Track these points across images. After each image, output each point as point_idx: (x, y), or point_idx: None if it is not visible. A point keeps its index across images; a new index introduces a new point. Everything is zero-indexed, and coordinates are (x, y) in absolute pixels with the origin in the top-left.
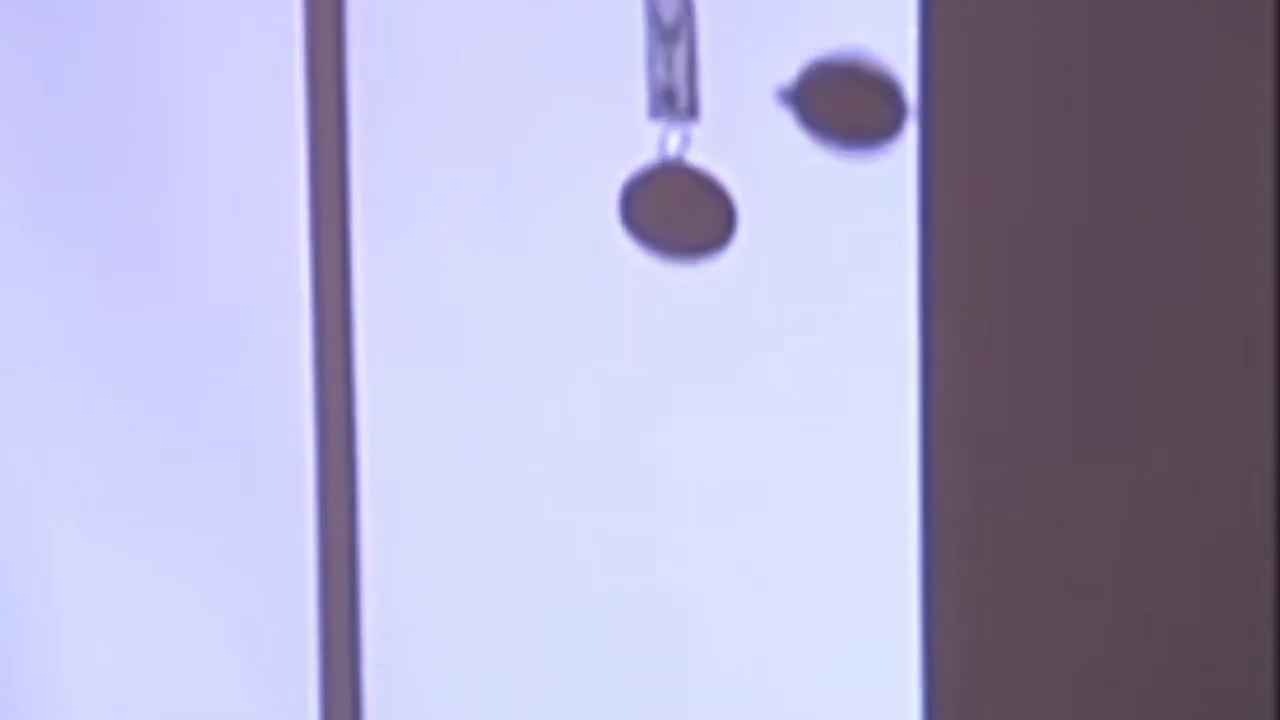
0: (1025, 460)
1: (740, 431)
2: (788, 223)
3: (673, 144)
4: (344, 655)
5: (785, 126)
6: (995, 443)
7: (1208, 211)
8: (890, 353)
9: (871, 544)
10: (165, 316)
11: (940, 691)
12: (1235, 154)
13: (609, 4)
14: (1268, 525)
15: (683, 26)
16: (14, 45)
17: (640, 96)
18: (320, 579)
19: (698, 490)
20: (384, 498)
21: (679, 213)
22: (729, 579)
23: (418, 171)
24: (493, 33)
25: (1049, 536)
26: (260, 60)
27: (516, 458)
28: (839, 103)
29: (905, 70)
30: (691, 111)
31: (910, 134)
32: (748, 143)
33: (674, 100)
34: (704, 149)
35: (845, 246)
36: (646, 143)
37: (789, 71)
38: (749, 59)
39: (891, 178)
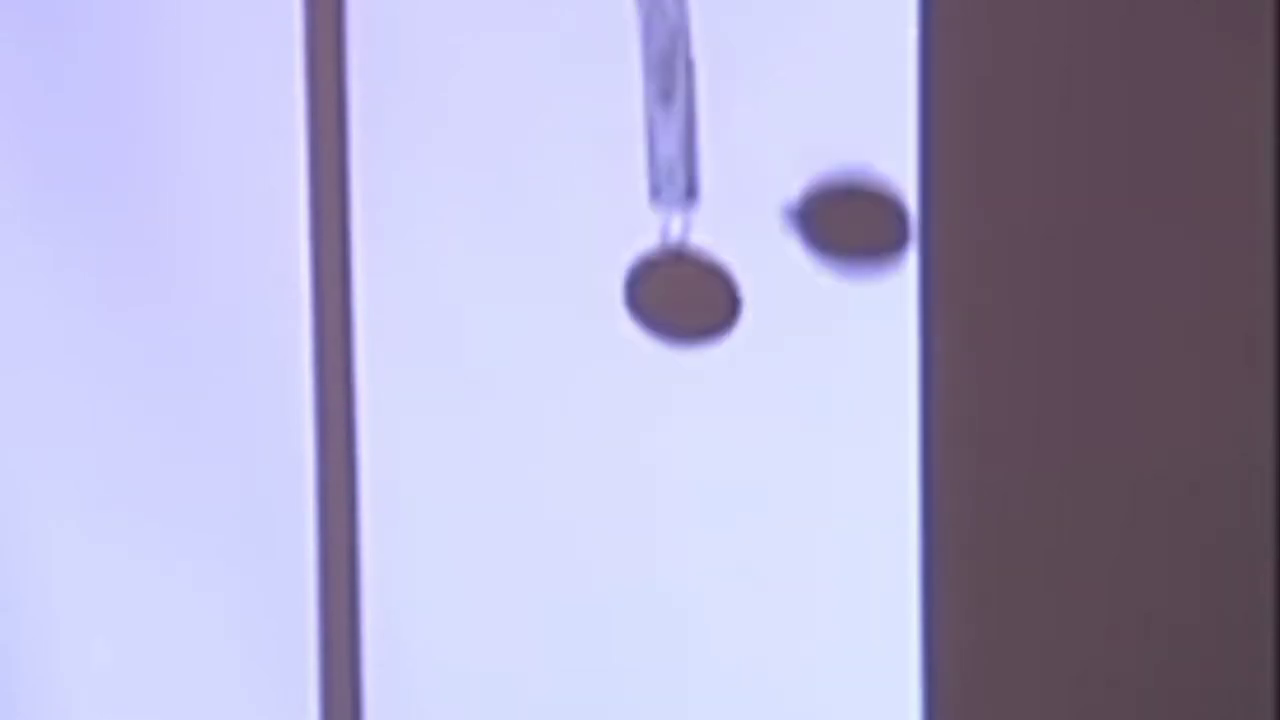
0: (1025, 460)
1: (740, 431)
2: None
3: (675, 228)
4: (344, 655)
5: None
6: (995, 443)
7: (1208, 211)
8: (890, 353)
9: (871, 544)
10: (165, 316)
11: (940, 691)
12: (1235, 154)
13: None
14: (1268, 525)
15: (681, 97)
16: (14, 45)
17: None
18: (320, 579)
19: (698, 490)
20: (384, 498)
21: (683, 299)
22: (729, 579)
23: (418, 171)
24: (492, 32)
25: (1049, 536)
26: (260, 60)
27: (516, 457)
28: (843, 222)
29: (905, 71)
30: (691, 194)
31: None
32: (749, 223)
33: (674, 181)
34: (705, 230)
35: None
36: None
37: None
38: (748, 129)
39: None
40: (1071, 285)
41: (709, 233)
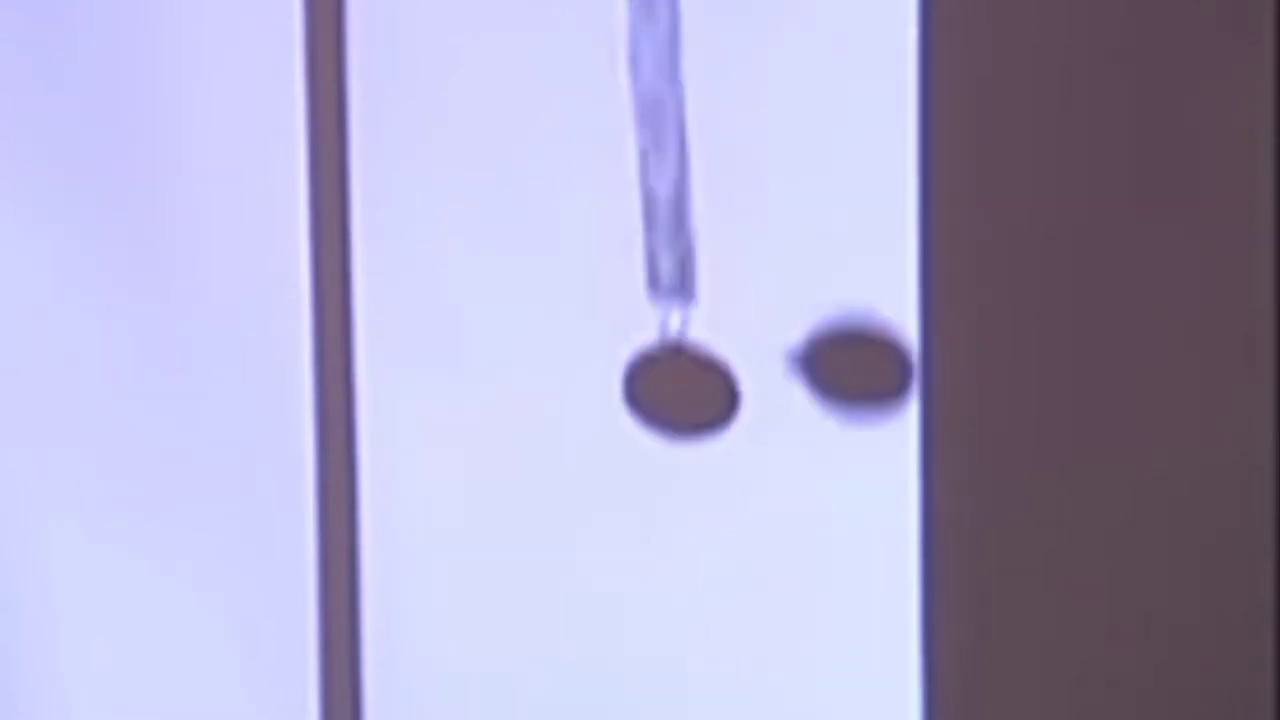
0: (1025, 460)
1: (740, 428)
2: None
3: (673, 324)
4: (344, 655)
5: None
6: (995, 443)
7: (1208, 211)
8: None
9: (871, 544)
10: (165, 316)
11: (940, 691)
12: (1235, 154)
13: None
14: (1268, 525)
15: (678, 200)
16: (14, 45)
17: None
18: (320, 579)
19: (697, 488)
20: (384, 498)
21: (682, 394)
22: (728, 578)
23: (418, 171)
24: (492, 32)
25: (1049, 536)
26: (260, 60)
27: (516, 457)
28: (846, 366)
29: (905, 71)
30: (689, 294)
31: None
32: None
33: (672, 280)
34: (703, 325)
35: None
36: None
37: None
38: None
39: None
40: (1071, 285)
41: (707, 327)
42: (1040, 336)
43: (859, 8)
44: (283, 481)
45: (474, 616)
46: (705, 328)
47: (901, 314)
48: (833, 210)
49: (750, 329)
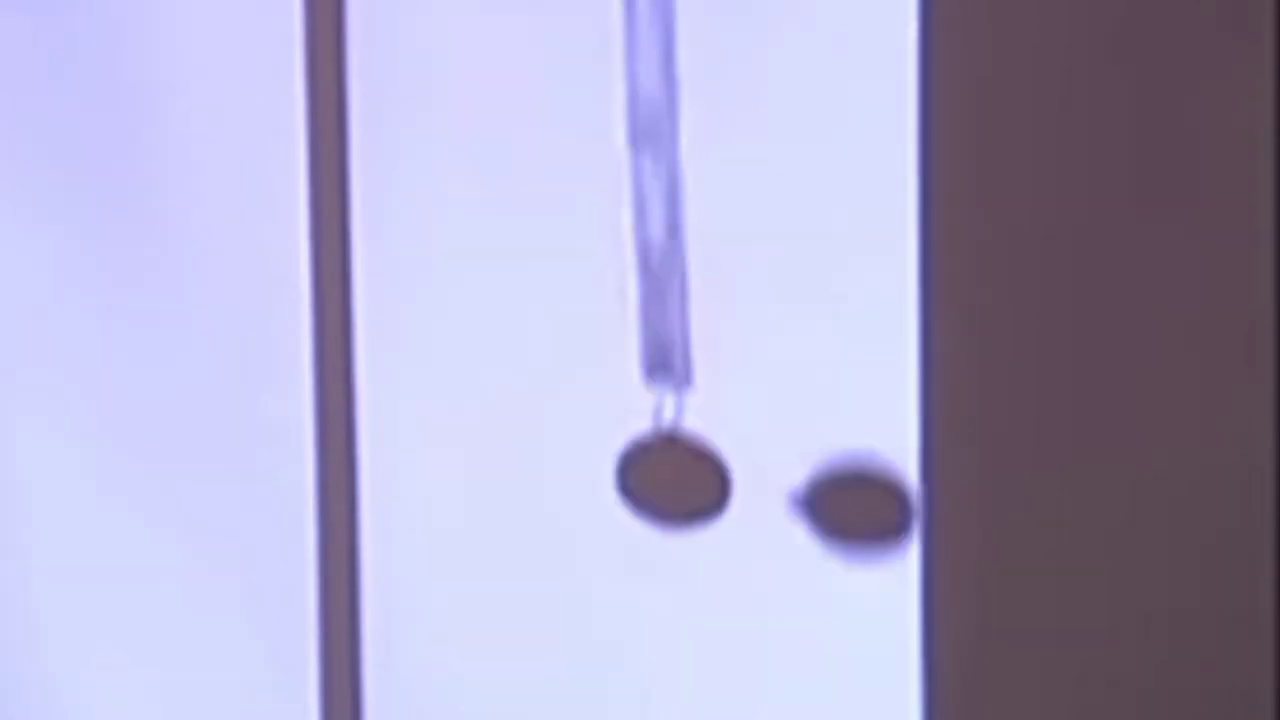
0: (1025, 460)
1: (738, 426)
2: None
3: (668, 411)
4: (344, 655)
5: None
6: (995, 443)
7: (1208, 211)
8: (890, 351)
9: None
10: (165, 316)
11: (940, 691)
12: (1235, 154)
13: None
14: (1268, 525)
15: (673, 276)
16: (14, 45)
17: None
18: (320, 579)
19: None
20: (384, 498)
21: (674, 483)
22: (729, 577)
23: (418, 171)
24: (493, 32)
25: (1049, 536)
26: (260, 60)
27: (516, 457)
28: (848, 508)
29: (905, 70)
30: (686, 377)
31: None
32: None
33: (668, 361)
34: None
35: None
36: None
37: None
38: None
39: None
40: (1071, 285)
41: (700, 415)
42: (1040, 336)
43: (859, 8)
44: (283, 481)
45: (473, 617)
46: (698, 415)
47: (902, 441)
48: (833, 314)
49: (744, 417)
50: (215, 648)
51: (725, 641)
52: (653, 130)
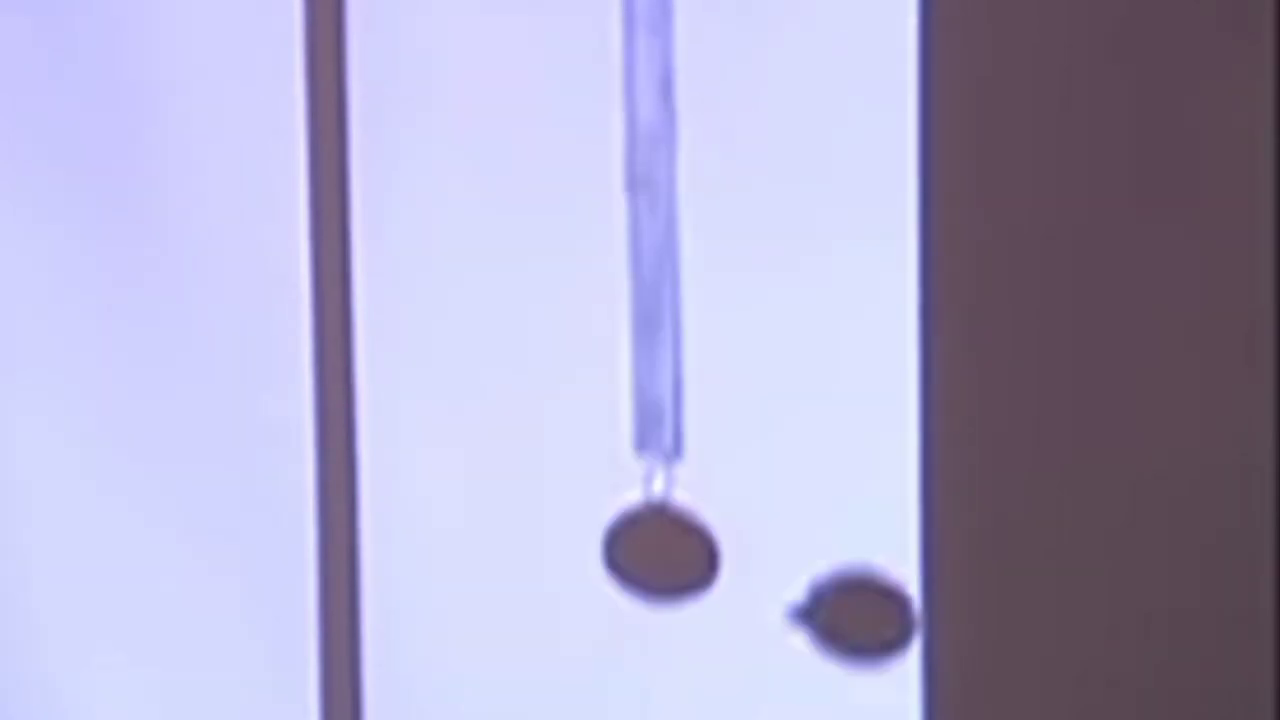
0: (1025, 460)
1: (741, 422)
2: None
3: (657, 484)
4: (344, 655)
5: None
6: (995, 443)
7: (1208, 211)
8: (890, 352)
9: (871, 544)
10: (165, 316)
11: (940, 691)
12: (1235, 154)
13: None
14: (1268, 525)
15: (665, 326)
16: (14, 45)
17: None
18: (320, 579)
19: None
20: (384, 498)
21: (663, 555)
22: (728, 576)
23: (418, 171)
24: (493, 31)
25: (1049, 536)
26: (260, 60)
27: (516, 457)
28: (850, 617)
29: (905, 70)
30: (676, 449)
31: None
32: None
33: (660, 431)
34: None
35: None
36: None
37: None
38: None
39: None
40: (1071, 285)
41: (690, 487)
42: (1040, 336)
43: (859, 8)
44: (283, 481)
45: (473, 617)
46: (686, 488)
47: (899, 515)
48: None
49: (733, 489)
50: (215, 648)
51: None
52: (649, 176)
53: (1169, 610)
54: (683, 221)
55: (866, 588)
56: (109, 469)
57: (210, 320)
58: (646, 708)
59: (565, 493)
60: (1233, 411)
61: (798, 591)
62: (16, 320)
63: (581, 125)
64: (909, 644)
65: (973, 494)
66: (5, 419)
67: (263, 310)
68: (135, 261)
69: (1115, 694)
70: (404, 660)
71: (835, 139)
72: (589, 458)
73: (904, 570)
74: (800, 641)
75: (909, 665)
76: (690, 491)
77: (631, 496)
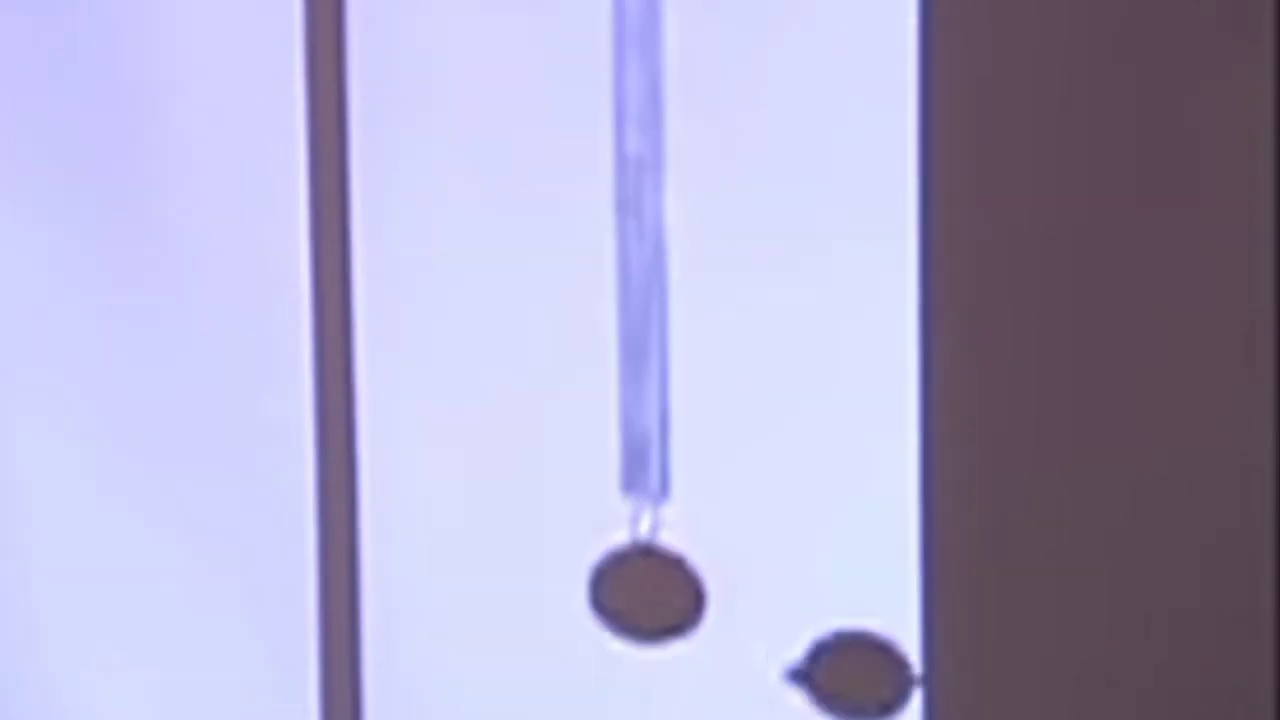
0: (1025, 460)
1: (740, 420)
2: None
3: (644, 526)
4: (344, 655)
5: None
6: (995, 443)
7: (1208, 211)
8: (890, 353)
9: (872, 543)
10: (165, 316)
11: (940, 691)
12: (1235, 154)
13: None
14: (1268, 525)
15: (653, 361)
16: (14, 45)
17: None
18: (320, 579)
19: (696, 484)
20: (384, 498)
21: (648, 597)
22: (727, 576)
23: (418, 171)
24: (493, 32)
25: (1049, 536)
26: (260, 60)
27: (516, 457)
28: (847, 676)
29: (905, 70)
30: (663, 490)
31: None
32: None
33: (647, 472)
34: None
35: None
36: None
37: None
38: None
39: None
40: (1071, 285)
41: (677, 528)
42: (1040, 336)
43: (859, 8)
44: (283, 481)
45: (474, 616)
46: (672, 530)
47: (892, 565)
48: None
49: (720, 528)
50: (215, 648)
51: None
52: (637, 203)
53: (1169, 610)
54: (678, 225)
55: (864, 648)
56: (109, 469)
57: (210, 320)
58: (646, 707)
59: (566, 492)
60: (1233, 411)
61: (784, 634)
62: (16, 320)
63: (582, 125)
64: (907, 703)
65: (973, 494)
66: (5, 419)
67: (263, 310)
68: (135, 261)
69: (1115, 694)
70: (404, 660)
71: (835, 139)
72: (589, 457)
73: (901, 628)
74: (798, 700)
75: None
76: (677, 532)
77: (619, 535)
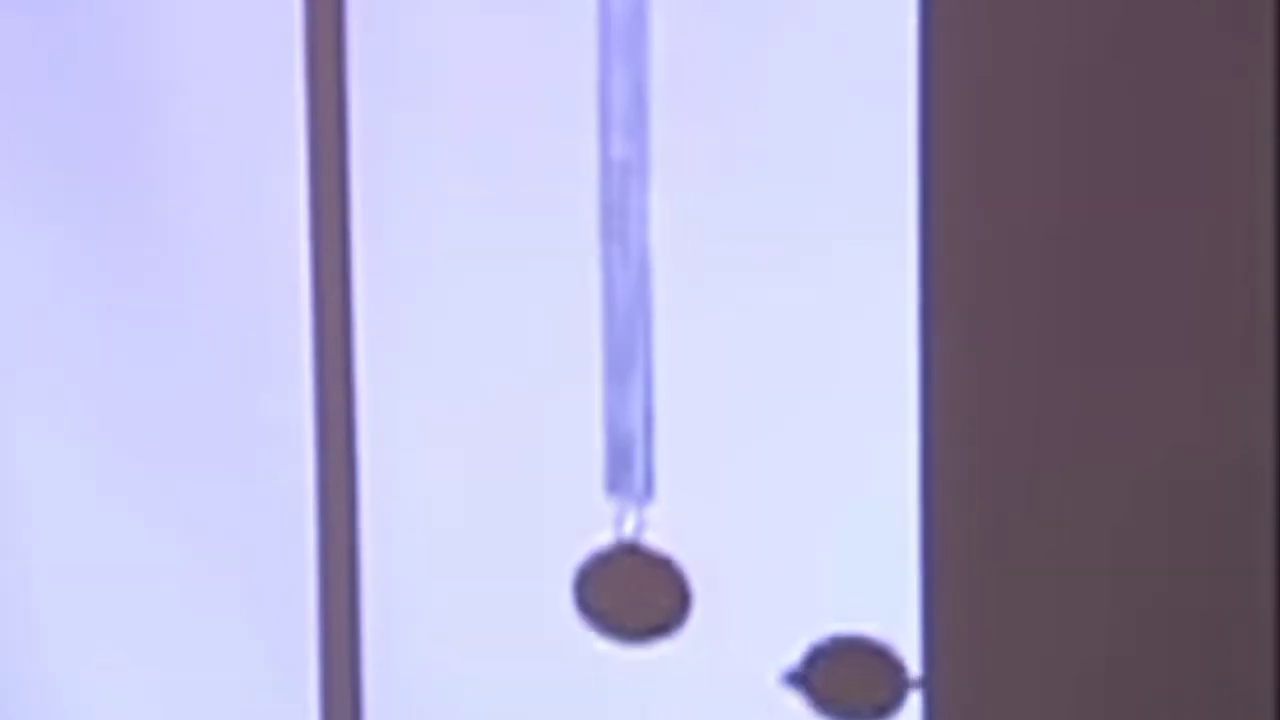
0: (1025, 460)
1: (741, 417)
2: None
3: (628, 526)
4: (344, 655)
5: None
6: (995, 443)
7: (1208, 212)
8: (890, 353)
9: (872, 543)
10: (165, 316)
11: (940, 690)
12: (1235, 154)
13: None
14: (1268, 525)
15: (637, 371)
16: (14, 45)
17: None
18: (320, 579)
19: (697, 482)
20: (384, 498)
21: (633, 596)
22: (728, 574)
23: (418, 171)
24: (493, 32)
25: (1049, 536)
26: (260, 60)
27: (516, 457)
28: (843, 679)
29: (905, 70)
30: (647, 490)
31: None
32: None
33: (631, 473)
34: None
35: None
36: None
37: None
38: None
39: None
40: (1072, 285)
41: (662, 528)
42: (1040, 336)
43: (859, 8)
44: (283, 481)
45: (474, 616)
46: (657, 530)
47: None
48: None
49: (705, 528)
50: (215, 648)
51: None
52: (622, 212)
53: (1169, 610)
54: (676, 226)
55: (860, 651)
56: (109, 469)
57: (210, 320)
58: (645, 708)
59: (566, 493)
60: (1233, 411)
61: (770, 635)
62: (16, 320)
63: (581, 126)
64: (902, 703)
65: (973, 494)
66: (5, 419)
67: (263, 310)
68: (135, 261)
69: (1115, 694)
70: (404, 660)
71: (835, 139)
72: (584, 458)
73: (891, 627)
74: (784, 700)
75: None
76: (661, 533)
77: (605, 534)
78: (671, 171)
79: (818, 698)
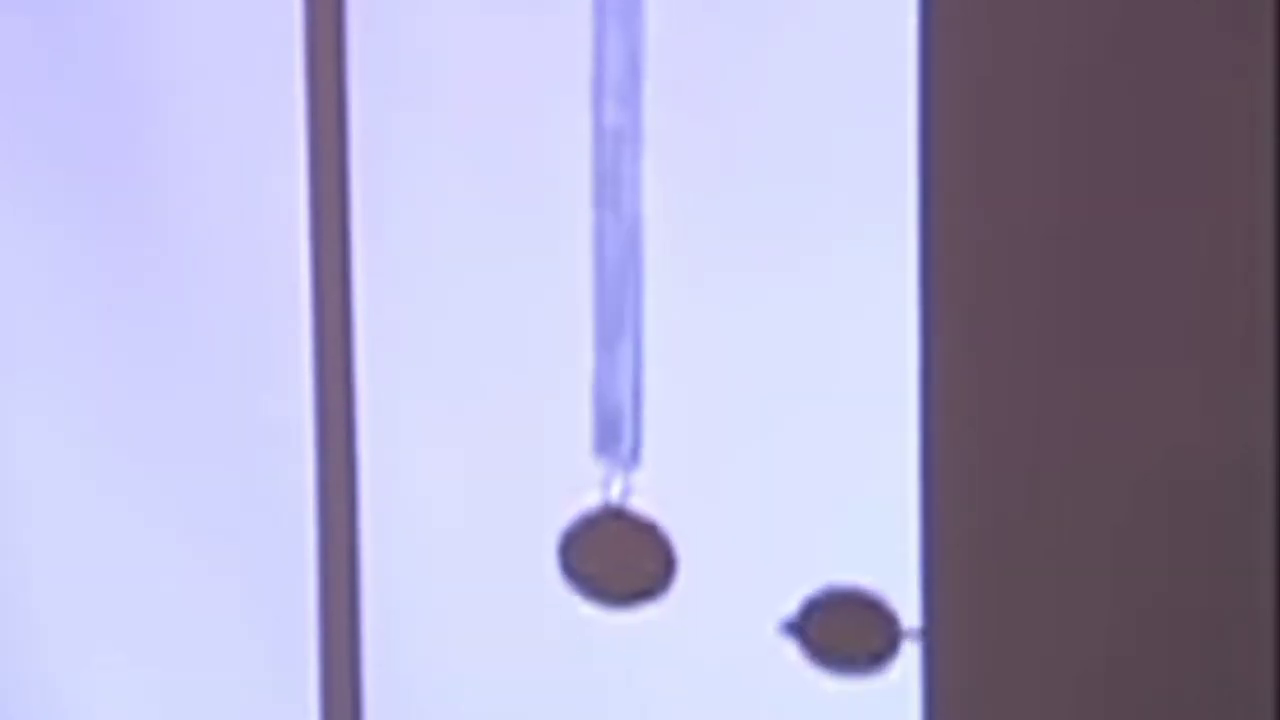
0: (1025, 460)
1: (737, 417)
2: None
3: (615, 489)
4: (344, 655)
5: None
6: (995, 443)
7: (1208, 212)
8: (890, 352)
9: (872, 543)
10: (165, 316)
11: (940, 691)
12: (1235, 154)
13: None
14: (1268, 525)
15: (626, 339)
16: (14, 45)
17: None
18: (320, 579)
19: (695, 481)
20: (384, 498)
21: (618, 560)
22: (727, 574)
23: (418, 171)
24: (493, 32)
25: (1049, 536)
26: (260, 60)
27: (515, 457)
28: (839, 629)
29: (905, 70)
30: (634, 455)
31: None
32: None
33: (620, 438)
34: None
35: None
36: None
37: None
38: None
39: None
40: (1072, 285)
41: (649, 492)
42: (1040, 336)
43: (859, 8)
44: (283, 481)
45: (474, 616)
46: (644, 494)
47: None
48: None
49: (691, 493)
50: (215, 648)
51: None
52: (615, 178)
53: (1169, 610)
54: (673, 223)
55: (856, 602)
56: (109, 469)
57: (210, 320)
58: (645, 706)
59: (567, 493)
60: (1233, 411)
61: (754, 598)
62: (16, 320)
63: (583, 123)
64: (896, 654)
65: (973, 494)
66: (5, 419)
67: (263, 310)
68: (135, 261)
69: (1115, 694)
70: (404, 660)
71: (835, 139)
72: (583, 449)
73: (888, 581)
74: (791, 653)
75: (898, 672)
76: (648, 498)
77: (590, 501)
78: (663, 166)
79: (813, 647)
